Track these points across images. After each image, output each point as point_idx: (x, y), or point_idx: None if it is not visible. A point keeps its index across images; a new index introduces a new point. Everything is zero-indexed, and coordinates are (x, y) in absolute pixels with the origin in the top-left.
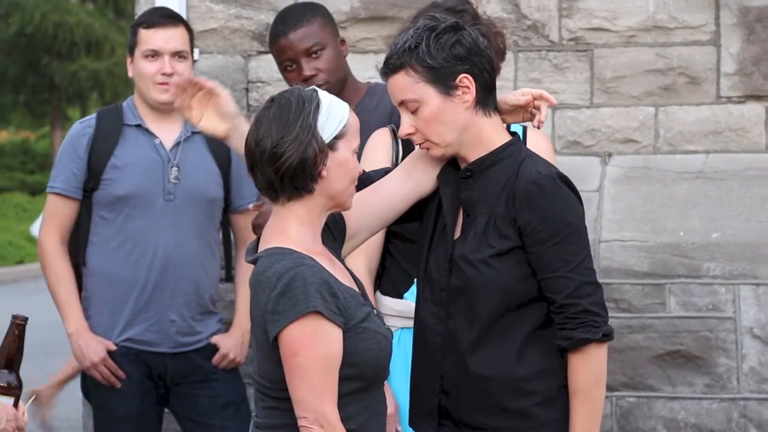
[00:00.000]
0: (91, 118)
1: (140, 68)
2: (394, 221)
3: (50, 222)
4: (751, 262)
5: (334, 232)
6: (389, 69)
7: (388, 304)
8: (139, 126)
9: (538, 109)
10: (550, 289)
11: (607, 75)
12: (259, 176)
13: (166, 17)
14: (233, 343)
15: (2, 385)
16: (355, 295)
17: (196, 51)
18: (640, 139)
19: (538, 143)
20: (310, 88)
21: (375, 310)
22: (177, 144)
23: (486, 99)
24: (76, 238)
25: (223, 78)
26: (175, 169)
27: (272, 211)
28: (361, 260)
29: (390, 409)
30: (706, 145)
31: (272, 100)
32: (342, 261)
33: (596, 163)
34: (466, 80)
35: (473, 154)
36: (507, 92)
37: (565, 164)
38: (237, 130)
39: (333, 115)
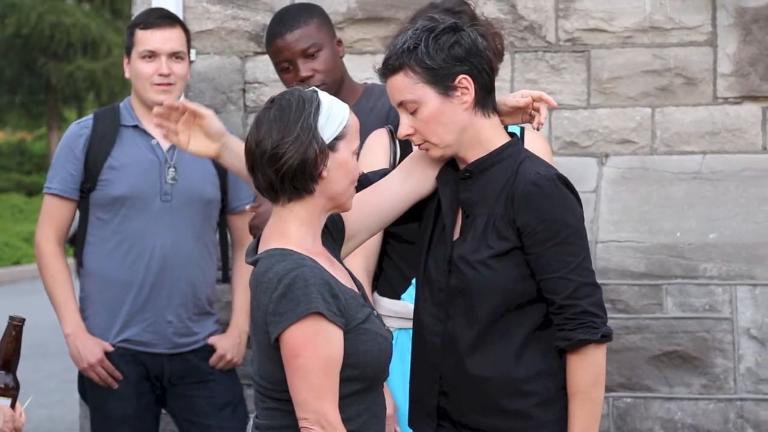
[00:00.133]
0: (88, 118)
1: (137, 69)
2: (393, 222)
3: (47, 223)
4: (748, 263)
5: (333, 233)
6: (388, 70)
7: (385, 305)
8: (136, 127)
9: (537, 110)
10: (549, 290)
11: (604, 76)
12: (260, 177)
13: (163, 18)
14: (230, 344)
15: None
16: (355, 296)
17: (192, 52)
18: (637, 139)
19: (535, 144)
20: (311, 89)
21: (375, 311)
22: (174, 145)
23: (485, 100)
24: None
25: (220, 79)
26: (172, 169)
27: (271, 211)
28: (359, 261)
29: (389, 410)
30: (702, 145)
31: (272, 100)
32: (341, 262)
33: (593, 164)
34: (465, 81)
35: (472, 154)
36: (506, 94)
37: (562, 165)
38: (228, 148)
39: (333, 115)
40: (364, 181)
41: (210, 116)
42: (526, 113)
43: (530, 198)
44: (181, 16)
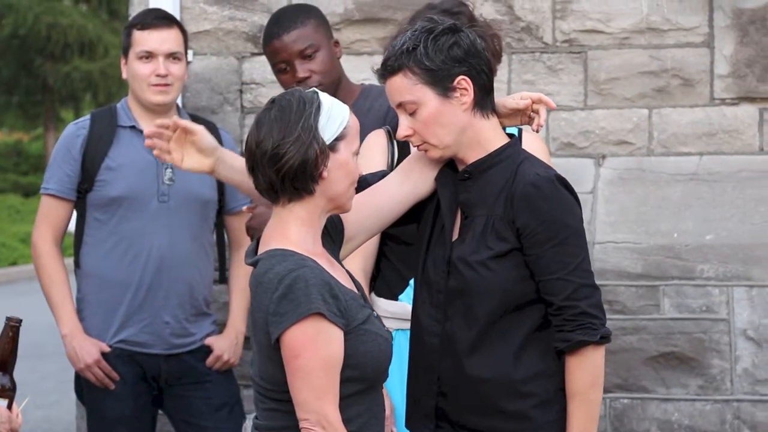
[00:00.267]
0: (85, 119)
1: (134, 70)
2: (392, 224)
3: (44, 223)
4: (745, 264)
5: (333, 235)
6: (387, 71)
7: (382, 305)
8: (133, 127)
9: (536, 112)
10: (548, 291)
11: (601, 77)
12: (260, 177)
13: (160, 18)
14: (227, 345)
15: None
16: (355, 297)
17: (190, 52)
18: (634, 140)
19: (533, 145)
20: (311, 89)
21: (375, 312)
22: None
23: (484, 101)
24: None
25: (217, 79)
26: (169, 170)
27: (268, 212)
28: (357, 262)
29: (386, 411)
30: (699, 146)
31: (273, 101)
32: (341, 263)
33: (590, 165)
34: (464, 82)
35: (471, 155)
36: (505, 96)
37: (559, 166)
38: (222, 162)
39: (334, 116)
40: (363, 182)
41: (201, 132)
42: (525, 115)
43: (529, 199)
44: (178, 17)
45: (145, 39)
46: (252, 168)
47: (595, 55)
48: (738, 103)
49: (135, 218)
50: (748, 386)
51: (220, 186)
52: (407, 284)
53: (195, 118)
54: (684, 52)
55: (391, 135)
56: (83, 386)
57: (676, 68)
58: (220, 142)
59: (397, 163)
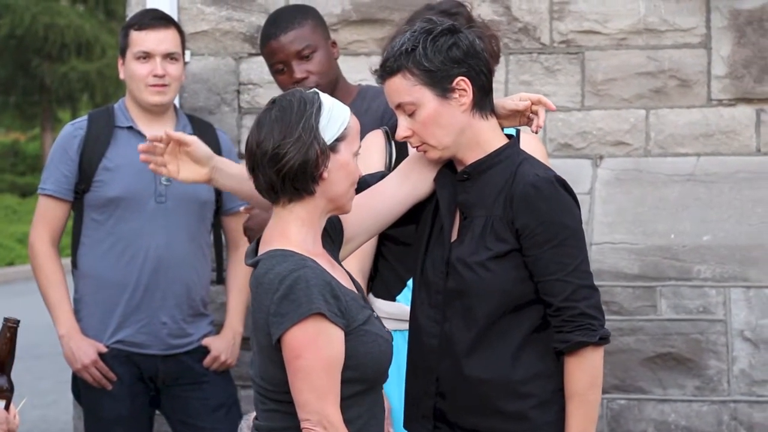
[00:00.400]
0: (83, 119)
1: (132, 70)
2: (391, 224)
3: (41, 224)
4: (742, 265)
5: (332, 236)
6: (386, 72)
7: (380, 306)
8: (130, 128)
9: (535, 113)
10: (547, 292)
11: (598, 77)
12: (260, 177)
13: (157, 19)
14: (224, 345)
15: None
16: (356, 297)
17: (187, 53)
18: (631, 141)
19: (530, 146)
20: (312, 90)
21: (375, 313)
22: None
23: (483, 101)
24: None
25: (215, 80)
26: None
27: (268, 214)
28: (354, 263)
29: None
30: (696, 147)
31: (274, 101)
32: (340, 264)
33: (587, 166)
34: (463, 83)
35: (470, 156)
36: (504, 97)
37: (556, 167)
38: (218, 170)
39: (335, 117)
40: (362, 184)
41: (195, 142)
42: (524, 116)
43: (529, 200)
44: (175, 18)
45: (143, 39)
46: (252, 168)
47: (593, 55)
48: (735, 104)
49: (132, 219)
50: (745, 387)
51: None
52: (405, 285)
53: (192, 119)
54: (681, 53)
55: (389, 135)
56: (80, 387)
57: (673, 69)
58: (217, 142)
59: (396, 164)
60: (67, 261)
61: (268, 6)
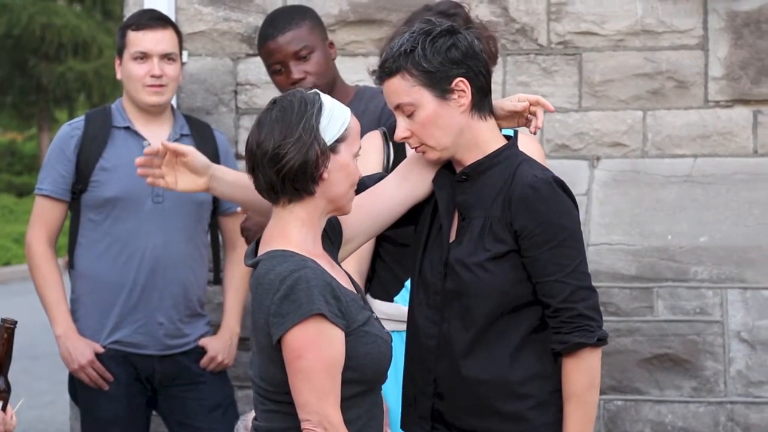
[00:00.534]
0: (80, 120)
1: (129, 70)
2: (390, 225)
3: (38, 224)
4: (739, 266)
5: (331, 237)
6: (385, 73)
7: (378, 307)
8: (127, 128)
9: (534, 114)
10: (546, 293)
11: (596, 79)
12: (260, 177)
13: (154, 19)
14: (221, 346)
15: None
16: (355, 298)
17: (184, 53)
18: (629, 142)
19: (528, 147)
20: (312, 90)
21: (374, 314)
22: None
23: (482, 102)
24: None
25: (212, 80)
26: None
27: (263, 219)
28: (352, 263)
29: None
30: (693, 149)
31: (274, 101)
32: (340, 265)
33: (584, 167)
34: (461, 84)
35: (469, 157)
36: (503, 98)
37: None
38: (216, 179)
39: (335, 118)
40: (360, 185)
41: (191, 152)
42: (522, 117)
43: (527, 201)
44: (173, 18)
45: (140, 40)
46: (252, 168)
47: (590, 57)
48: (732, 106)
49: (129, 219)
50: (742, 388)
51: None
52: (403, 286)
53: (189, 119)
54: (678, 54)
55: (387, 136)
56: (77, 387)
57: (670, 70)
58: (214, 143)
59: (393, 164)
60: (63, 261)
61: (265, 6)
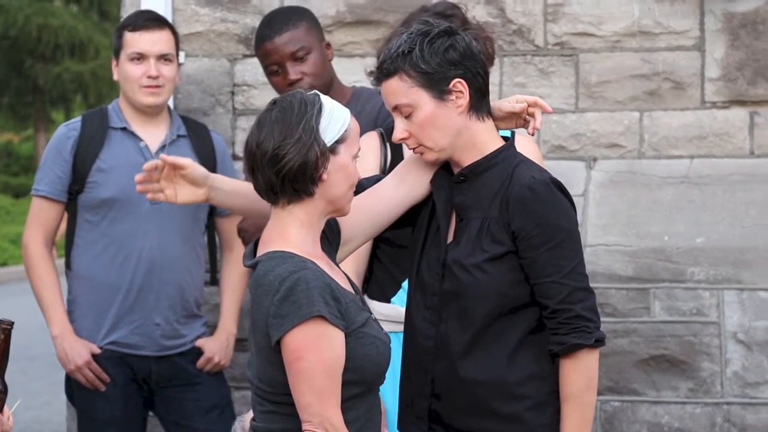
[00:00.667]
0: (77, 120)
1: (126, 71)
2: (388, 227)
3: (35, 225)
4: (735, 267)
5: (329, 237)
6: (383, 74)
7: (375, 308)
8: (124, 129)
9: (532, 115)
10: (543, 294)
11: (593, 80)
12: (260, 178)
13: (151, 20)
14: (218, 347)
15: None
16: (354, 299)
17: (181, 54)
18: (625, 143)
19: (526, 148)
20: (312, 91)
21: (372, 315)
22: (162, 147)
23: (479, 103)
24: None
25: (209, 81)
26: None
27: (270, 213)
28: (349, 264)
29: None
30: (690, 150)
31: (274, 102)
32: (338, 266)
33: (581, 168)
34: (459, 85)
35: (467, 158)
36: (501, 99)
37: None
38: (215, 189)
39: (335, 119)
40: (358, 186)
41: (189, 164)
42: (520, 118)
43: (525, 202)
44: (170, 19)
45: (137, 40)
46: (252, 169)
47: (587, 58)
48: (729, 107)
49: (126, 220)
50: (738, 389)
51: None
52: (400, 287)
53: (186, 120)
54: (675, 55)
55: (384, 137)
56: (74, 388)
57: (667, 71)
58: (211, 143)
59: (391, 165)
60: (60, 262)
61: (262, 7)
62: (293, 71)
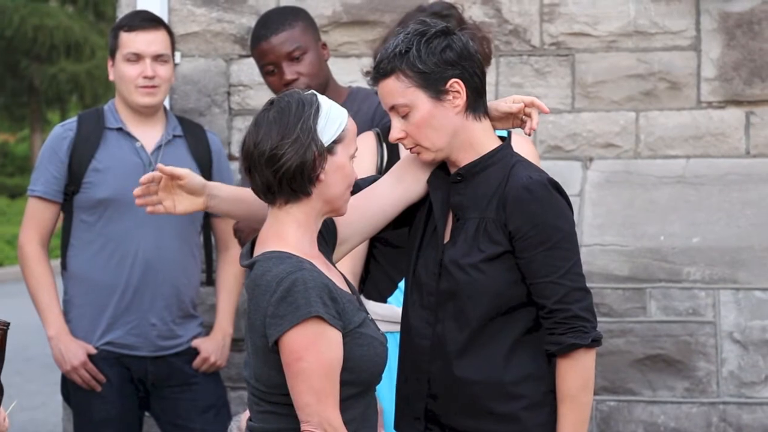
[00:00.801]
0: (72, 121)
1: (121, 71)
2: (384, 227)
3: (30, 225)
4: (731, 267)
5: (326, 237)
6: (380, 74)
7: (372, 308)
8: (120, 129)
9: (529, 116)
10: (540, 294)
11: (588, 80)
12: (257, 178)
13: (147, 20)
14: (214, 347)
15: None
16: (351, 300)
17: (177, 54)
18: (621, 143)
19: (523, 148)
20: (310, 92)
21: (369, 316)
22: (158, 147)
23: (476, 103)
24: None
25: (205, 81)
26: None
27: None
28: (346, 264)
29: None
30: (686, 149)
31: (272, 102)
32: (335, 266)
33: (577, 168)
34: (456, 85)
35: (464, 158)
36: (498, 99)
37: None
38: (214, 197)
39: (332, 119)
40: (354, 187)
41: (186, 174)
42: (517, 118)
43: (522, 202)
44: (166, 19)
45: (132, 41)
46: (249, 169)
47: (583, 58)
48: (724, 107)
49: (122, 220)
50: (734, 389)
51: None
52: (396, 287)
53: (182, 120)
54: (671, 55)
55: (380, 137)
56: (70, 388)
57: (663, 71)
58: (207, 144)
59: (387, 165)
60: (56, 262)
61: (258, 7)
62: (289, 71)
